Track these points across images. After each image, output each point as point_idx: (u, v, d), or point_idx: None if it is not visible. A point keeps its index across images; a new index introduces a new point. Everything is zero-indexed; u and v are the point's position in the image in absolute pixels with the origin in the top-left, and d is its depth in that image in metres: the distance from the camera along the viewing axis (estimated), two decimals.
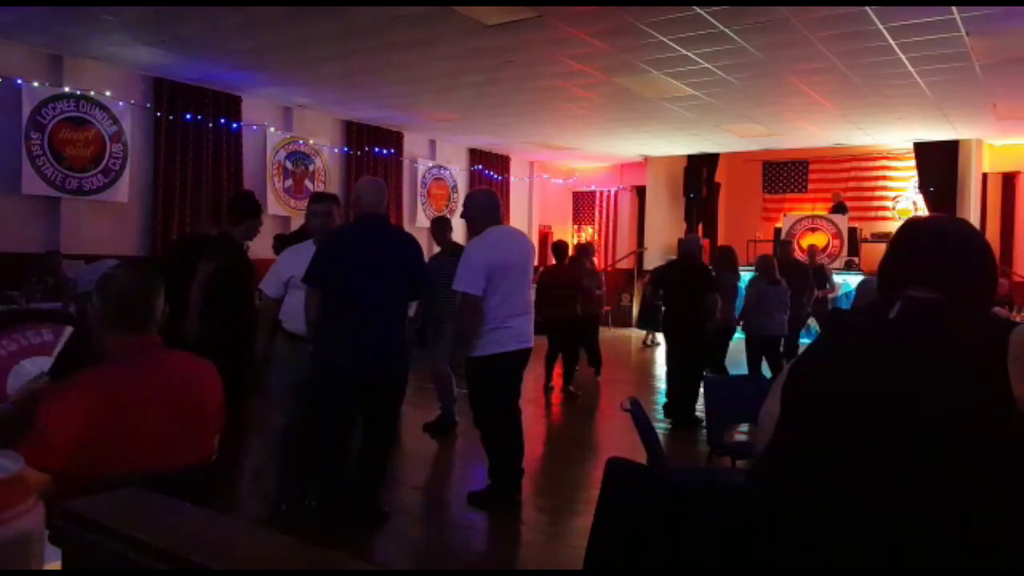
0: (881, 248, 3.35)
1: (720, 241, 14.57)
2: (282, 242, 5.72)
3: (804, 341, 8.27)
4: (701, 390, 5.99)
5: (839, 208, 13.23)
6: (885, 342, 1.48)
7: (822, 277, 9.91)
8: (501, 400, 4.34)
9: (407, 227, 11.72)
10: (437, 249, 6.53)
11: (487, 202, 4.43)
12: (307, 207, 4.37)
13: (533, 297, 5.15)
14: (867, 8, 6.05)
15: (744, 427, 6.10)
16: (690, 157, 13.87)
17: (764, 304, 7.39)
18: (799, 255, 10.63)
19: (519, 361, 4.36)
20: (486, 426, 4.40)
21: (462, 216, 4.59)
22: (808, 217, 13.28)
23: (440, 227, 6.69)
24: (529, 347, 4.38)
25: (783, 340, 7.75)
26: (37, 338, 5.17)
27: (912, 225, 1.74)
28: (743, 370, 7.58)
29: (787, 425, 1.54)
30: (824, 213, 13.39)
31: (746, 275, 12.65)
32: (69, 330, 5.21)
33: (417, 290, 4.06)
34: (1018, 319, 7.97)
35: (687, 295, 6.71)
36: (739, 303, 7.87)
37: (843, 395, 1.46)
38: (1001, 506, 1.31)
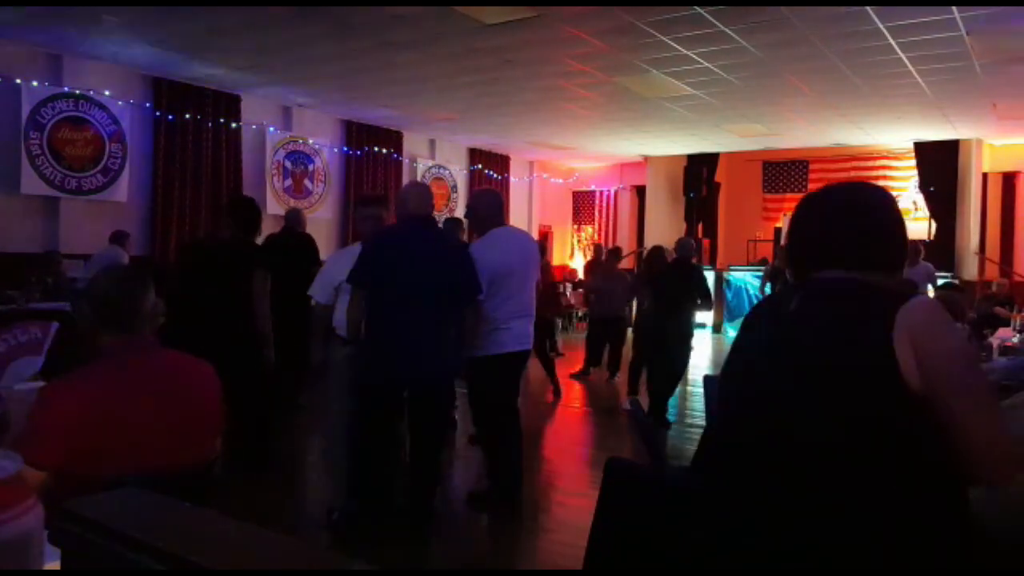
0: None
1: (720, 240, 14.60)
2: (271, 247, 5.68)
3: None
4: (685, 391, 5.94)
5: None
6: (780, 342, 1.46)
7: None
8: (500, 400, 4.34)
9: None
10: None
11: (491, 202, 4.40)
12: (355, 211, 4.32)
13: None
14: (867, 8, 6.05)
15: None
16: (690, 157, 13.88)
17: None
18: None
19: (518, 362, 4.35)
20: (486, 426, 4.39)
21: (465, 216, 4.57)
22: None
23: (450, 228, 6.67)
24: (529, 348, 4.38)
25: None
26: (25, 336, 5.20)
27: (804, 203, 1.61)
28: None
29: (717, 422, 1.58)
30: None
31: (745, 275, 12.87)
32: (56, 326, 5.27)
33: (464, 295, 3.88)
34: (1018, 319, 7.97)
35: (673, 296, 6.62)
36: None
37: (746, 396, 1.48)
38: (911, 504, 1.30)
